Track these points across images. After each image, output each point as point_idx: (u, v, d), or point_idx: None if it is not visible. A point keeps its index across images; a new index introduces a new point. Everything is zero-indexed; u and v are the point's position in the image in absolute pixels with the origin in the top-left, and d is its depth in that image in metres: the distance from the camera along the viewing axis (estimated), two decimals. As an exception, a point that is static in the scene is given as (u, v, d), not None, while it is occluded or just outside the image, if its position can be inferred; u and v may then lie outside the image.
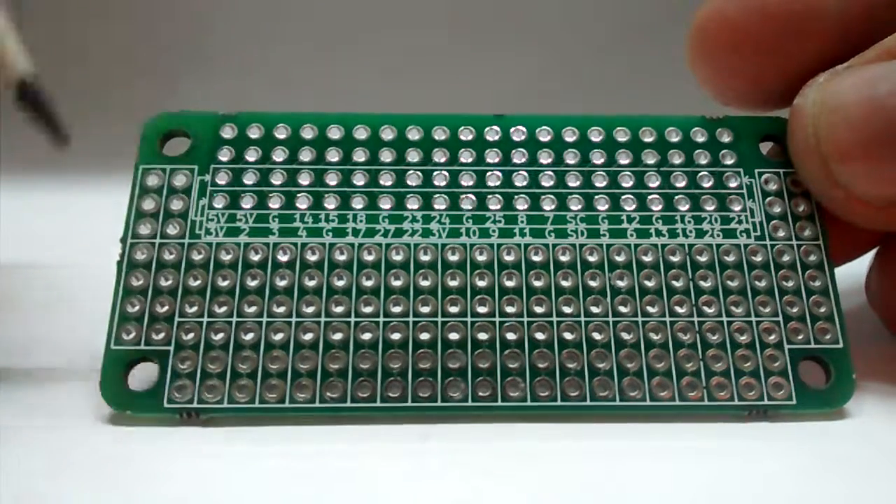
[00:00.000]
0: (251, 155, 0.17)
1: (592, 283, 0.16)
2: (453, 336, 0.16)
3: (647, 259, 0.16)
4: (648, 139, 0.18)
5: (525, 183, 0.17)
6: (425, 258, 0.16)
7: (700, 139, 0.18)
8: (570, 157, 0.17)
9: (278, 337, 0.16)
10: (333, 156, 0.17)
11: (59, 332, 0.18)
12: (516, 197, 0.17)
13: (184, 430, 0.15)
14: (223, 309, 0.16)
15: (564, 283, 0.16)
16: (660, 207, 0.17)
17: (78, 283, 0.20)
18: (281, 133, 0.17)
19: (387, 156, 0.17)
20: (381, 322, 0.16)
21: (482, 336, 0.16)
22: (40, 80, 0.16)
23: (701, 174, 0.17)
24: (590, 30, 0.26)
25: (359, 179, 0.17)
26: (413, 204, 0.17)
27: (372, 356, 0.15)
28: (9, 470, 0.14)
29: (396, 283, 0.16)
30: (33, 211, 0.23)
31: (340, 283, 0.16)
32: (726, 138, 0.18)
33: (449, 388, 0.15)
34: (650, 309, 0.16)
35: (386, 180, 0.17)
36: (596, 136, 0.18)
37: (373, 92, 0.26)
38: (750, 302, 0.16)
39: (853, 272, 0.18)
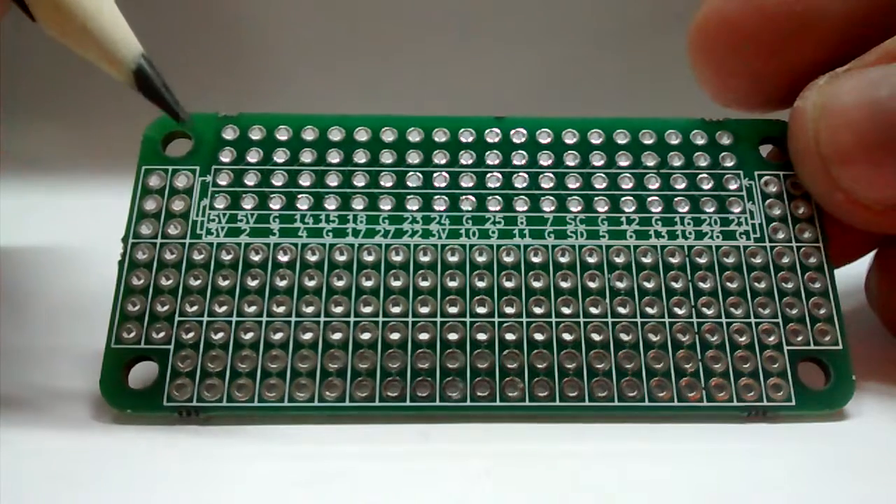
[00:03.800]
0: (252, 156, 0.17)
1: (592, 284, 0.16)
2: (452, 336, 0.16)
3: (647, 260, 0.16)
4: (648, 141, 0.18)
5: (525, 184, 0.17)
6: (425, 259, 0.16)
7: (700, 141, 0.18)
8: (570, 159, 0.17)
9: (278, 336, 0.16)
10: (334, 157, 0.17)
11: (60, 330, 0.18)
12: (516, 198, 0.17)
13: (183, 428, 0.15)
14: (223, 308, 0.16)
15: (564, 284, 0.16)
16: (659, 209, 0.17)
17: (78, 283, 0.20)
18: (282, 134, 0.17)
19: (387, 157, 0.17)
20: (380, 322, 0.16)
21: (481, 336, 0.16)
22: (151, 61, 0.15)
23: (701, 176, 0.17)
24: (589, 30, 0.26)
25: (359, 180, 0.17)
26: (413, 205, 0.17)
27: (371, 356, 0.15)
28: (9, 469, 0.14)
29: (396, 284, 0.16)
30: (33, 211, 0.23)
31: (340, 284, 0.16)
32: (726, 140, 0.18)
33: (448, 388, 0.15)
34: (649, 310, 0.16)
35: (386, 181, 0.17)
36: (596, 138, 0.18)
37: (374, 93, 0.26)
38: (749, 303, 0.16)
39: (853, 273, 0.18)
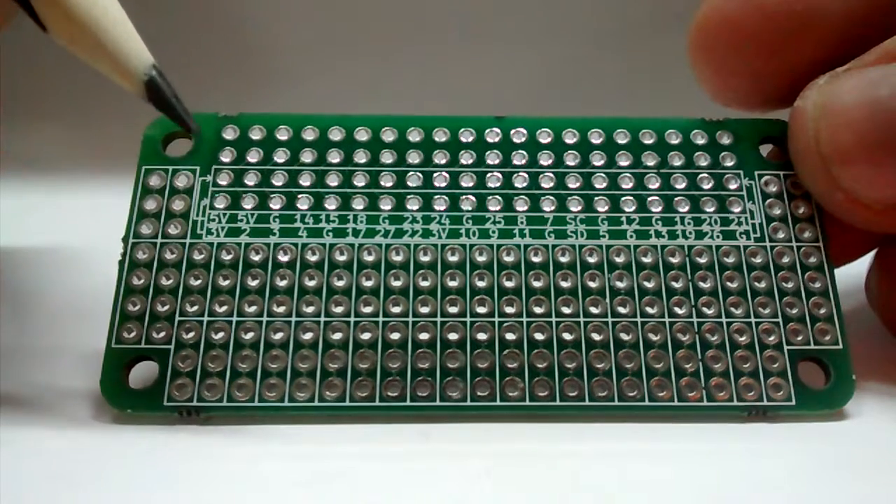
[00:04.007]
0: (252, 156, 0.17)
1: (592, 284, 0.16)
2: (452, 336, 0.16)
3: (647, 260, 0.16)
4: (648, 141, 0.18)
5: (525, 184, 0.17)
6: (425, 259, 0.16)
7: (700, 141, 0.18)
8: (570, 159, 0.17)
9: (278, 336, 0.16)
10: (334, 157, 0.17)
11: (60, 330, 0.18)
12: (516, 198, 0.17)
13: (183, 428, 0.15)
14: (223, 308, 0.16)
15: (564, 284, 0.16)
16: (659, 209, 0.17)
17: (78, 283, 0.20)
18: (282, 134, 0.17)
19: (387, 157, 0.17)
20: (380, 322, 0.16)
21: (481, 336, 0.16)
22: (161, 71, 0.15)
23: (701, 176, 0.17)
24: (590, 30, 0.26)
25: (359, 180, 0.17)
26: (413, 205, 0.17)
27: (371, 356, 0.15)
28: (9, 469, 0.14)
29: (396, 284, 0.16)
30: (33, 211, 0.23)
31: (340, 284, 0.16)
32: (726, 140, 0.18)
33: (448, 388, 0.15)
34: (649, 310, 0.16)
35: (386, 181, 0.17)
36: (596, 137, 0.18)
37: (374, 93, 0.26)
38: (749, 303, 0.16)
39: (853, 273, 0.18)
